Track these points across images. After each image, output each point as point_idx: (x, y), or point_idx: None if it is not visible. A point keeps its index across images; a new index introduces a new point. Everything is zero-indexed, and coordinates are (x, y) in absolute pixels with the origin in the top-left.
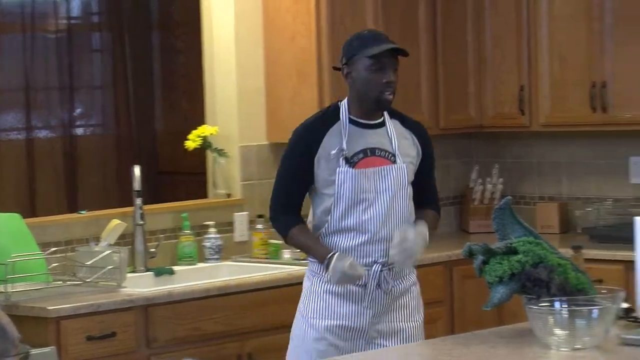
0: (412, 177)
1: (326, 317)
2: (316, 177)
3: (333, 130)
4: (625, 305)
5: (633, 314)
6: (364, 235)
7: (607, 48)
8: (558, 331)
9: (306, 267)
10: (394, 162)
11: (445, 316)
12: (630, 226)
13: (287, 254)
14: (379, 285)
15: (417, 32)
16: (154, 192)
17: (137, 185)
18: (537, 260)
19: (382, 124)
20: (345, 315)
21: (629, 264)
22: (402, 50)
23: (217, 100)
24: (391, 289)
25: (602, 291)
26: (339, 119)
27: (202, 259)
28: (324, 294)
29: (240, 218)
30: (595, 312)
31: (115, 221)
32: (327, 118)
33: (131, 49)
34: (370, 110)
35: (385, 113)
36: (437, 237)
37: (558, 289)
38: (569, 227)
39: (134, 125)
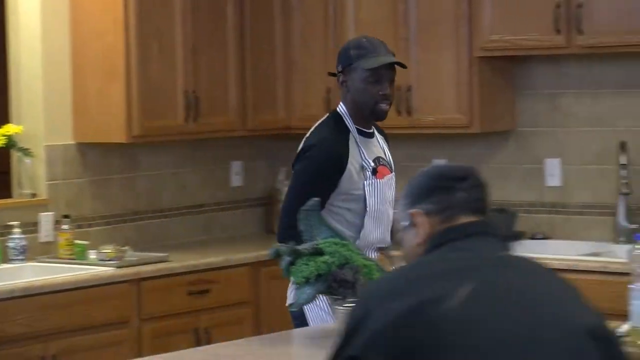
0: None
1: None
2: (337, 191)
3: (351, 141)
4: None
5: None
6: (384, 248)
7: (412, 53)
8: None
9: None
10: (392, 170)
11: (252, 317)
12: None
13: (92, 254)
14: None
15: (225, 32)
16: None
17: None
18: (343, 261)
19: (374, 134)
20: None
21: None
22: (399, 62)
23: (22, 98)
24: None
25: None
26: (347, 129)
27: (6, 259)
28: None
29: (46, 218)
30: None
31: None
32: (340, 128)
33: None
34: (366, 119)
35: None
36: (244, 238)
37: None
38: None
39: None
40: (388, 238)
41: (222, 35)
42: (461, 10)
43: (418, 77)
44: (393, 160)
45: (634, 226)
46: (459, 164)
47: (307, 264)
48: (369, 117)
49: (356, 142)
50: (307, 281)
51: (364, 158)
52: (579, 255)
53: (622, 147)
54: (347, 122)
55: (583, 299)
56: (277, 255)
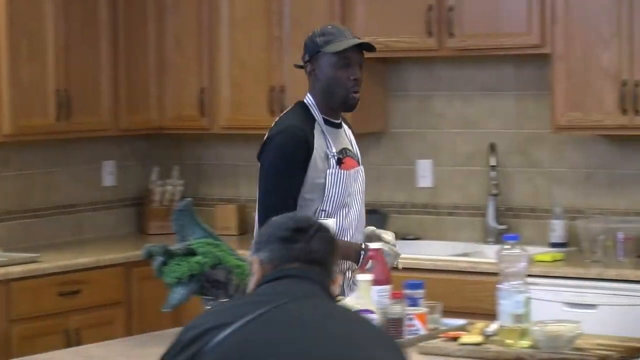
0: None
1: None
2: (304, 181)
3: (316, 129)
4: None
5: None
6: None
7: (285, 53)
8: None
9: None
10: (359, 163)
11: (124, 317)
12: None
13: None
14: (344, 292)
15: (98, 32)
16: None
17: None
18: (215, 261)
19: (341, 124)
20: None
21: None
22: (368, 44)
23: None
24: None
25: None
26: (314, 118)
27: None
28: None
29: None
30: None
31: None
32: (306, 117)
33: None
34: (335, 110)
35: None
36: (116, 238)
37: (236, 290)
38: (248, 228)
39: None
40: (349, 234)
41: (94, 34)
42: (334, 11)
43: (291, 78)
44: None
45: (502, 227)
46: (307, 216)
47: (179, 265)
48: (338, 107)
49: (322, 131)
50: (179, 282)
51: (329, 147)
52: (449, 255)
53: (492, 148)
54: (313, 112)
55: (387, 346)
56: (150, 256)
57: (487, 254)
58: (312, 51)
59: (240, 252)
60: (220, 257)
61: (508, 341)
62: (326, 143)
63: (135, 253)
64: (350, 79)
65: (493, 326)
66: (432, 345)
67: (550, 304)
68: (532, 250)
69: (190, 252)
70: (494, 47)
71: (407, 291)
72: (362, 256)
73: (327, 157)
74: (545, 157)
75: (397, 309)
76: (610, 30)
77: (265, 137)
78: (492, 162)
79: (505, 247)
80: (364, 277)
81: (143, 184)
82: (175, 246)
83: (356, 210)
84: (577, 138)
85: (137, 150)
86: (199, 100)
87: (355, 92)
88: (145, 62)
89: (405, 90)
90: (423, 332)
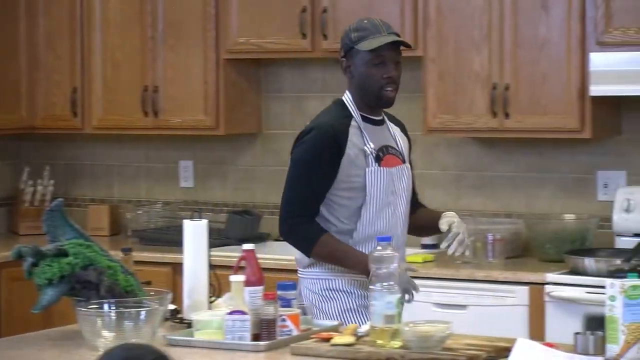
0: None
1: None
2: (338, 179)
3: (353, 126)
4: (172, 306)
5: (179, 315)
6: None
7: (159, 53)
8: (106, 333)
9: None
10: (404, 161)
11: None
12: (179, 229)
13: None
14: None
15: None
16: None
17: None
18: (87, 262)
19: (384, 121)
20: None
21: (177, 265)
22: (404, 41)
23: None
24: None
25: (151, 293)
26: (351, 115)
27: None
28: (362, 310)
29: None
30: (143, 313)
31: None
32: (342, 114)
33: None
34: (372, 107)
35: None
36: None
37: (107, 291)
38: (120, 229)
39: None
40: (398, 232)
41: None
42: (208, 11)
43: (165, 78)
44: None
45: None
46: (151, 348)
47: (50, 266)
48: (374, 104)
49: (359, 128)
50: (49, 283)
51: (367, 143)
52: None
53: None
54: (350, 109)
55: None
56: (20, 256)
57: None
58: (347, 47)
59: (113, 252)
60: (92, 258)
61: (379, 342)
62: (363, 140)
63: (5, 254)
64: (384, 77)
65: (365, 327)
66: (304, 346)
67: (421, 304)
68: None
69: (61, 253)
70: None
71: (280, 292)
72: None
73: (364, 155)
74: (417, 158)
75: (269, 310)
76: (481, 34)
77: (298, 134)
78: None
79: (378, 248)
80: (235, 279)
81: (13, 184)
82: (46, 247)
83: (401, 209)
84: (448, 140)
85: (7, 150)
86: (71, 100)
87: (390, 90)
88: (16, 61)
89: (280, 91)
90: (295, 333)
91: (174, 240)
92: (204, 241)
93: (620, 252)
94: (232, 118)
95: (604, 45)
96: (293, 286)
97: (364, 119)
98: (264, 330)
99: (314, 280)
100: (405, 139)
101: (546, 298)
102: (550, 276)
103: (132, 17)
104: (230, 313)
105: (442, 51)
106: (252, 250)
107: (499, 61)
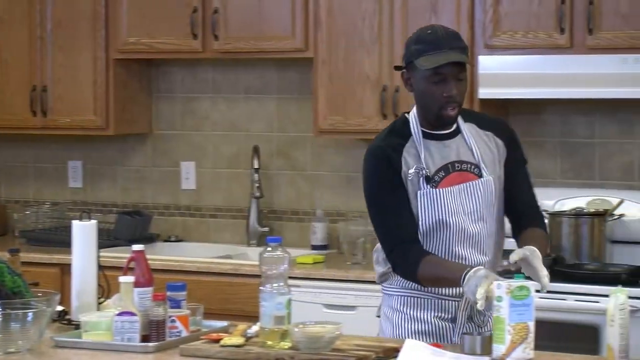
0: (500, 192)
1: None
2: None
3: (408, 146)
4: (60, 308)
5: (67, 316)
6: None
7: (47, 53)
8: None
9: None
10: (480, 175)
11: None
12: (68, 229)
13: None
14: (470, 318)
15: None
16: None
17: None
18: None
19: (457, 132)
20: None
21: (66, 266)
22: (464, 61)
23: None
24: (487, 321)
25: (38, 294)
26: (410, 133)
27: None
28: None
29: None
30: (30, 315)
31: None
32: (398, 132)
33: None
34: (434, 123)
35: (460, 117)
36: None
37: None
38: (7, 230)
39: None
40: (464, 253)
41: None
42: (98, 11)
43: (54, 78)
44: None
45: (265, 229)
46: None
47: None
48: (435, 123)
49: (416, 147)
50: None
51: (422, 165)
52: (211, 257)
53: (255, 151)
54: (412, 125)
55: None
56: None
57: (250, 256)
58: (407, 60)
59: (0, 253)
60: None
61: (269, 343)
62: (421, 159)
63: None
64: (444, 96)
65: (254, 328)
66: (194, 347)
67: (311, 305)
68: (294, 252)
69: None
70: (257, 51)
71: (170, 293)
72: (464, 277)
73: (418, 176)
74: (308, 160)
75: (159, 311)
76: (371, 36)
77: None
78: (255, 164)
79: (268, 249)
80: (125, 280)
81: None
82: None
83: (475, 228)
84: (339, 141)
85: None
86: None
87: (452, 109)
88: None
89: (170, 92)
90: (185, 334)
91: (63, 241)
92: (93, 242)
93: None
94: (122, 118)
95: (492, 49)
96: (183, 287)
97: (427, 135)
98: (153, 331)
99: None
100: (500, 142)
101: None
102: None
103: (21, 16)
104: (119, 314)
105: (332, 53)
106: (141, 251)
107: (389, 63)
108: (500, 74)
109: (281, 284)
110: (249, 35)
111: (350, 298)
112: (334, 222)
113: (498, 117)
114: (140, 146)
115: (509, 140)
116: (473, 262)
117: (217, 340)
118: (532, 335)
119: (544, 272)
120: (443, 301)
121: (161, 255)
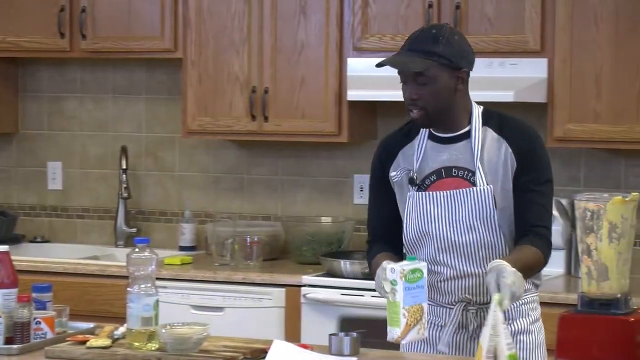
0: (501, 201)
1: None
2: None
3: (408, 147)
4: None
5: None
6: (442, 270)
7: None
8: None
9: None
10: (474, 184)
11: None
12: None
13: None
14: (460, 326)
15: None
16: None
17: None
18: None
19: (467, 135)
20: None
21: None
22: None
23: None
24: (477, 330)
25: None
26: (417, 132)
27: None
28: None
29: None
30: None
31: None
32: (407, 131)
33: None
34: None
35: (478, 118)
36: None
37: None
38: None
39: None
40: (453, 262)
41: None
42: None
43: None
44: None
45: (133, 230)
46: None
47: None
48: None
49: (417, 147)
50: None
51: (413, 167)
52: (78, 258)
53: (123, 151)
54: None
55: None
56: None
57: (117, 257)
58: None
59: None
60: None
61: (136, 344)
62: (416, 161)
63: None
64: (406, 98)
65: (121, 329)
66: (59, 349)
67: (179, 306)
68: (162, 253)
69: None
70: (126, 50)
71: (35, 294)
72: None
73: (405, 179)
74: (176, 161)
75: (24, 313)
76: (241, 37)
77: None
78: (123, 165)
79: (135, 250)
80: None
81: None
82: None
83: (460, 237)
84: (208, 142)
85: None
86: None
87: (412, 112)
88: None
89: (37, 91)
90: (50, 335)
91: None
92: None
93: None
94: None
95: (361, 51)
96: (49, 288)
97: (432, 137)
98: (17, 333)
99: None
100: (510, 152)
101: (302, 300)
102: (306, 278)
103: None
104: None
105: (201, 53)
106: (6, 252)
107: (258, 65)
108: (369, 76)
109: (149, 285)
110: (118, 35)
111: (218, 299)
112: (202, 223)
113: (526, 127)
114: (5, 146)
115: (523, 155)
116: (462, 272)
117: (83, 342)
118: (425, 316)
119: (507, 281)
120: (435, 307)
121: (27, 256)
